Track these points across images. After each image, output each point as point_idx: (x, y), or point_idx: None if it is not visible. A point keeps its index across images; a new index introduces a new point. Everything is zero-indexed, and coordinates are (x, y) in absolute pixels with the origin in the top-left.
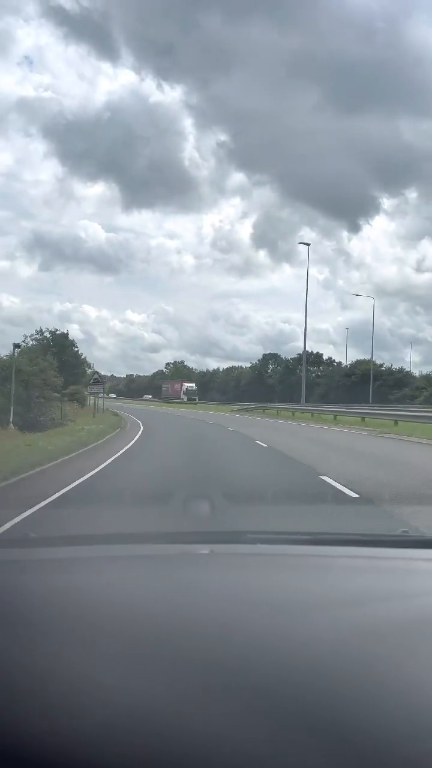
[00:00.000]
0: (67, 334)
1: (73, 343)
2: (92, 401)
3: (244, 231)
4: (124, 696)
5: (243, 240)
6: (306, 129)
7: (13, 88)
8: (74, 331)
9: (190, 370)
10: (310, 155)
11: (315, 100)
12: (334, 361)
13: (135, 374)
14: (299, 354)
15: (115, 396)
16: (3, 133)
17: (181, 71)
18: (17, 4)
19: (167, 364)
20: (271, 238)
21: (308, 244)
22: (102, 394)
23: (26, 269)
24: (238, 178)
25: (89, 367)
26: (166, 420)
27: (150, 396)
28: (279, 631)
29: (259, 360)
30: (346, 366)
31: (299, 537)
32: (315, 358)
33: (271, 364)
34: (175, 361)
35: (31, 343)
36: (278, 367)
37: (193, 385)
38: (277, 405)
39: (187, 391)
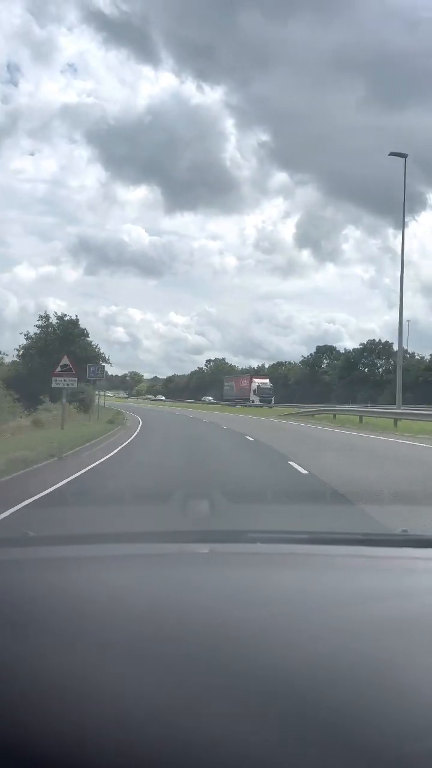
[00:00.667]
0: (77, 320)
1: (83, 333)
2: (100, 401)
3: (287, 231)
4: (123, 695)
5: (286, 240)
6: (349, 125)
7: (57, 95)
8: (119, 334)
9: (231, 367)
10: (354, 152)
11: (358, 96)
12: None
13: (174, 374)
14: (362, 344)
15: (164, 398)
16: (48, 141)
17: (221, 72)
18: (59, 12)
19: (207, 361)
20: (314, 237)
21: (404, 155)
22: (101, 392)
23: (72, 273)
24: (280, 177)
25: (105, 361)
26: (182, 437)
27: (211, 397)
28: (278, 631)
29: (311, 354)
30: (426, 359)
31: (299, 536)
32: (383, 349)
33: (326, 359)
34: (215, 358)
35: (34, 332)
36: (336, 362)
37: (267, 381)
38: (354, 408)
39: (260, 390)
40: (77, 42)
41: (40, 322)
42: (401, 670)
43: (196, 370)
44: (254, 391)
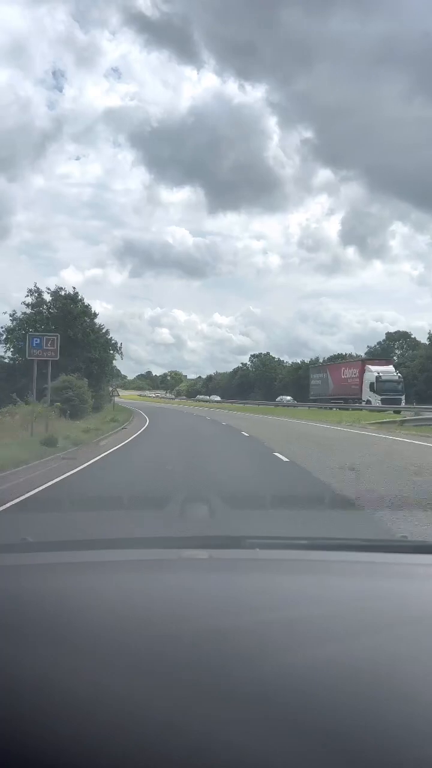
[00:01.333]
0: (78, 296)
1: (86, 311)
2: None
3: (332, 228)
4: (121, 701)
5: (331, 237)
6: (394, 118)
7: (101, 99)
8: (164, 335)
9: (278, 362)
10: (400, 146)
11: (403, 88)
12: None
13: (215, 371)
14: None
15: (219, 398)
16: (93, 145)
17: (262, 70)
18: (102, 16)
19: (252, 356)
20: (360, 234)
21: None
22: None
23: (118, 276)
24: (324, 174)
25: (116, 350)
26: None
27: (290, 398)
28: (277, 637)
29: (379, 342)
30: None
31: (298, 542)
32: None
33: (398, 349)
34: (260, 353)
35: (23, 313)
36: (412, 352)
37: (391, 368)
38: None
39: (381, 383)
40: (120, 45)
41: (29, 299)
42: (401, 675)
43: (239, 367)
44: (371, 385)
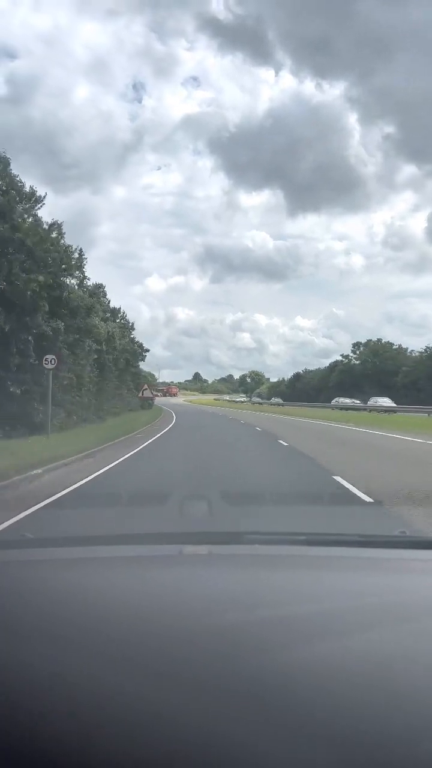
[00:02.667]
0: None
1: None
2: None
3: (418, 225)
4: (121, 696)
5: (417, 235)
6: None
7: (179, 108)
8: (245, 340)
9: (397, 350)
10: None
11: None
12: None
13: (304, 368)
14: None
15: (281, 401)
16: (173, 154)
17: (340, 66)
18: (178, 25)
19: (356, 345)
20: None
21: None
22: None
23: (199, 282)
24: (408, 170)
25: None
26: None
27: (387, 399)
28: (277, 632)
29: None
30: None
31: (297, 538)
32: None
33: None
34: (368, 341)
35: None
36: None
37: None
38: None
39: None
40: (196, 53)
41: None
42: (400, 671)
43: (337, 361)
44: None
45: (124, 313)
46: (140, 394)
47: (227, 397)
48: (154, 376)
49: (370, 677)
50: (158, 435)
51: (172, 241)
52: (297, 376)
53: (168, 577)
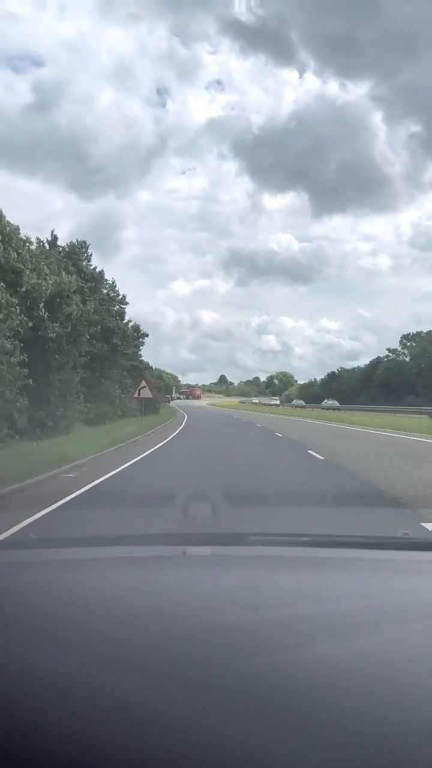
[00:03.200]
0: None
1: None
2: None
3: None
4: (123, 696)
5: None
6: None
7: (203, 112)
8: (271, 342)
9: None
10: None
11: None
12: None
13: (340, 367)
14: None
15: (337, 403)
16: (198, 158)
17: (364, 65)
18: (201, 28)
19: (405, 337)
20: None
21: None
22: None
23: (224, 286)
24: None
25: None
26: None
27: None
28: (279, 633)
29: None
30: None
31: (300, 539)
32: None
33: None
34: (419, 332)
35: None
36: None
37: None
38: None
39: None
40: (219, 56)
41: None
42: (403, 673)
43: (380, 358)
44: None
45: (113, 282)
46: (135, 394)
47: (255, 400)
48: (176, 377)
49: (373, 679)
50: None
51: (197, 245)
52: (332, 376)
53: (171, 578)
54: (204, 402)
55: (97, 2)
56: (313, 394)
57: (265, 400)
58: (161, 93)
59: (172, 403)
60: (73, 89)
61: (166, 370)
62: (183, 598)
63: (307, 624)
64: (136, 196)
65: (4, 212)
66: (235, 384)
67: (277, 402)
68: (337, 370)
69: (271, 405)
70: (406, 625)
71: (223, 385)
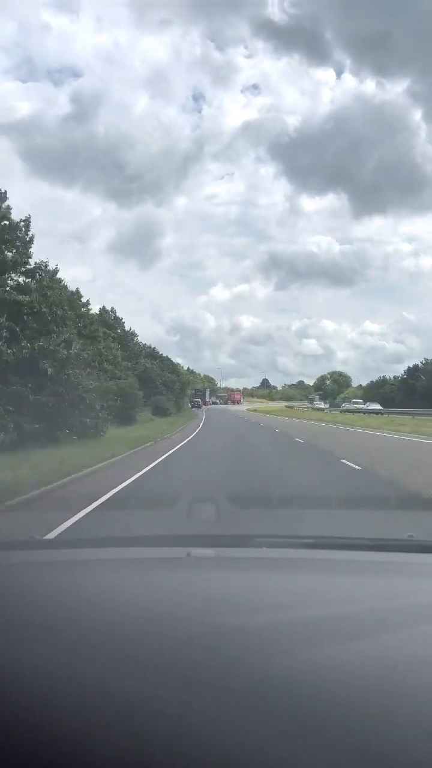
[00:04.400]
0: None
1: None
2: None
3: None
4: (127, 698)
5: None
6: None
7: (239, 115)
8: (312, 346)
9: None
10: None
11: None
12: None
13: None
14: None
15: (379, 407)
16: (235, 162)
17: (401, 62)
18: (235, 32)
19: None
20: None
21: None
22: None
23: (263, 290)
24: None
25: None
26: None
27: None
28: (283, 635)
29: None
30: None
31: (304, 541)
32: None
33: None
34: None
35: None
36: None
37: None
38: None
39: None
40: (253, 58)
41: None
42: (407, 676)
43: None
44: None
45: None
46: None
47: (317, 402)
48: (213, 380)
49: (377, 682)
50: None
51: (236, 250)
52: (413, 373)
53: (174, 580)
54: (244, 407)
55: (130, 11)
56: (374, 396)
57: (356, 404)
58: (197, 98)
59: (203, 409)
60: (109, 98)
61: (202, 375)
62: (186, 599)
63: (311, 626)
64: (175, 203)
65: (49, 223)
66: (278, 387)
67: (376, 406)
68: (422, 361)
69: (360, 410)
70: (411, 628)
71: (265, 389)
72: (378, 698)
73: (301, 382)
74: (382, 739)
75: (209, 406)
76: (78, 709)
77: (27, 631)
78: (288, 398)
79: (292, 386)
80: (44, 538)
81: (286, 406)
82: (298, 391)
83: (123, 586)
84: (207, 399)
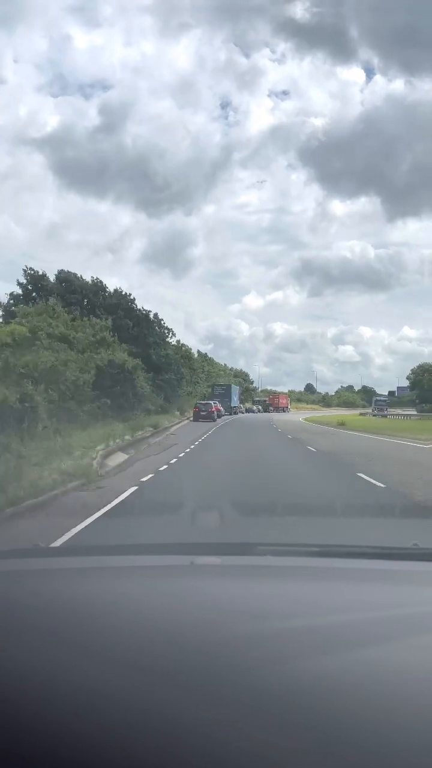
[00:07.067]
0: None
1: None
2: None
3: None
4: (127, 704)
5: None
6: None
7: (267, 121)
8: (349, 353)
9: None
10: None
11: None
12: None
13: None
14: None
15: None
16: (266, 169)
17: (431, 57)
18: (259, 36)
19: None
20: None
21: None
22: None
23: (297, 297)
24: None
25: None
26: None
27: None
28: (287, 643)
29: None
30: None
31: (308, 549)
32: None
33: None
34: None
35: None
36: None
37: None
38: None
39: None
40: (279, 62)
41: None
42: (412, 685)
43: None
44: None
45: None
46: None
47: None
48: (247, 376)
49: (381, 691)
50: None
51: (269, 257)
52: None
53: (177, 587)
54: (298, 416)
55: (155, 21)
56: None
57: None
58: (224, 106)
59: (218, 421)
60: (138, 108)
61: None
62: (190, 607)
63: (315, 635)
64: (206, 212)
65: (81, 236)
66: (330, 393)
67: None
68: None
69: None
70: (416, 637)
71: (310, 394)
72: (384, 707)
73: (351, 387)
74: (385, 749)
75: (237, 416)
76: (81, 716)
77: (30, 638)
78: (347, 404)
79: (346, 389)
80: (49, 546)
81: (360, 414)
82: (357, 395)
83: (126, 595)
84: (236, 403)
